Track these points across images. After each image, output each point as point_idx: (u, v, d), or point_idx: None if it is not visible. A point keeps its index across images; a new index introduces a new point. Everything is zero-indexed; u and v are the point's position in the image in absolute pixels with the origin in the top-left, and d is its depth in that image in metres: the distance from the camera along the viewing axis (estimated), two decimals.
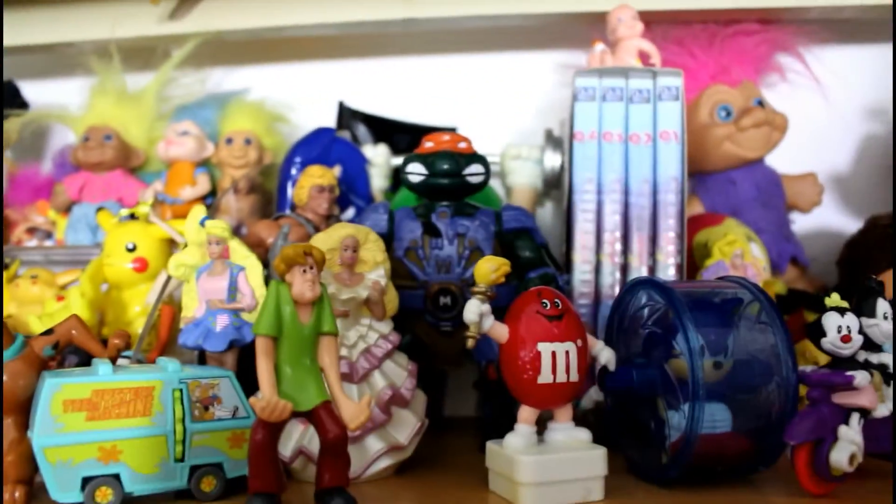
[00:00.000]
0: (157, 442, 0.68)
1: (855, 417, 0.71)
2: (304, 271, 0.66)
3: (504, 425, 0.73)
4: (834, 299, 0.73)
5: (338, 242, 0.78)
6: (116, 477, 0.67)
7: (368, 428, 0.76)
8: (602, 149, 0.97)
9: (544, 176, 1.09)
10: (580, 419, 0.87)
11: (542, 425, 0.73)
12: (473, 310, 0.69)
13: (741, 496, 0.72)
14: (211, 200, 1.05)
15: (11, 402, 0.70)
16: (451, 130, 1.06)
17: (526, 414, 0.71)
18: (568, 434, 0.71)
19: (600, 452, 0.70)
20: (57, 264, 1.06)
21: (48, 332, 0.72)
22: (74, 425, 0.65)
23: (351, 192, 1.05)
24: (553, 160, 1.09)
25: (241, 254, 0.80)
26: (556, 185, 1.10)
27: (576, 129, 0.97)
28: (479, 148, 1.13)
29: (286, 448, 0.74)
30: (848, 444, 0.70)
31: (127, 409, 0.67)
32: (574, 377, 0.70)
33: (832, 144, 1.20)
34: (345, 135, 1.12)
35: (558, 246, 1.01)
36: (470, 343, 0.70)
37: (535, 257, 0.88)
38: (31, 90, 1.19)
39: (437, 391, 1.02)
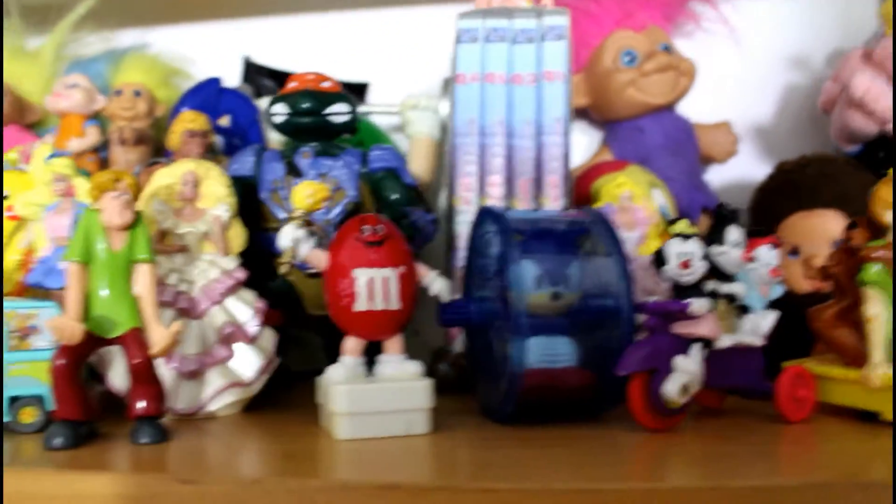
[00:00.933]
0: None
1: (695, 348, 0.69)
2: (115, 197, 0.66)
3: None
4: (677, 226, 0.71)
5: (178, 177, 0.77)
6: None
7: (208, 364, 0.75)
8: (485, 91, 0.95)
9: (444, 125, 1.08)
10: (453, 361, 0.86)
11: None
12: (287, 234, 0.68)
13: (577, 431, 0.70)
14: (105, 154, 1.05)
15: None
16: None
17: (350, 344, 0.70)
18: (397, 367, 0.70)
19: (424, 384, 0.69)
20: None
21: None
22: None
23: (244, 144, 1.04)
24: (447, 108, 1.07)
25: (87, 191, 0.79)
26: None
27: (458, 71, 0.95)
28: (387, 101, 1.12)
29: (117, 380, 0.73)
30: (680, 374, 0.67)
31: None
32: (395, 305, 0.68)
33: (751, 94, 1.16)
34: (247, 89, 1.11)
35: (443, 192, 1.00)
36: (282, 269, 0.69)
37: (403, 198, 0.87)
38: None
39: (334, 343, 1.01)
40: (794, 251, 0.97)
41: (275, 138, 1.08)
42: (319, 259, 0.69)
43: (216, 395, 0.75)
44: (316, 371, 0.85)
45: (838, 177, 0.98)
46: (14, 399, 0.69)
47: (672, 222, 0.72)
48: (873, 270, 0.71)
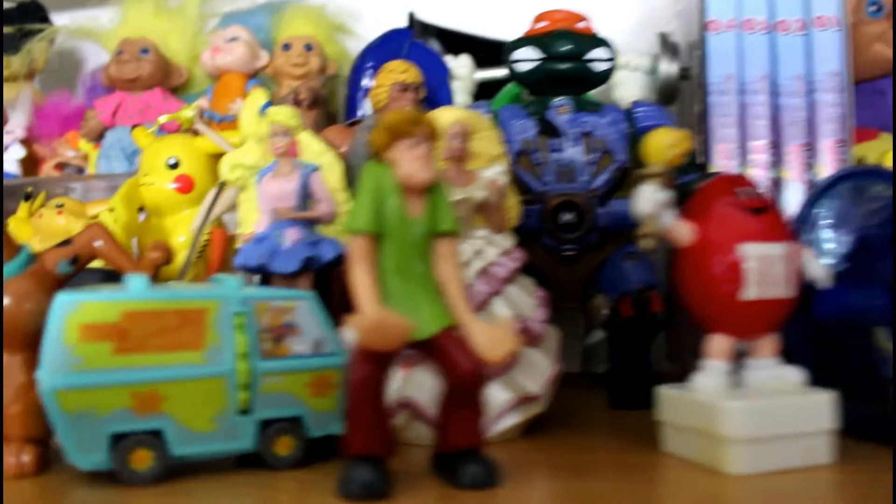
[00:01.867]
0: (212, 386, 0.45)
1: None
2: (414, 145, 0.43)
3: (637, 378, 0.54)
4: None
5: (442, 130, 0.55)
6: (158, 434, 0.44)
7: (492, 373, 0.53)
8: (742, 40, 0.73)
9: (657, 87, 0.86)
10: None
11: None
12: (648, 197, 0.46)
13: None
14: None
15: (15, 334, 0.48)
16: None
17: (719, 345, 0.48)
18: (773, 373, 0.48)
19: (825, 398, 0.47)
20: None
21: (65, 242, 0.50)
22: (97, 360, 0.43)
23: (431, 106, 0.82)
24: (669, 68, 0.85)
25: (313, 149, 0.57)
26: (671, 99, 0.86)
27: (709, 17, 0.74)
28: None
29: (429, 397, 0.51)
30: None
31: (171, 340, 0.44)
32: (788, 291, 0.47)
33: None
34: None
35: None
36: (647, 244, 0.47)
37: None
38: (62, 20, 0.97)
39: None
40: None
41: (460, 103, 0.86)
42: (683, 232, 0.47)
43: (502, 414, 0.53)
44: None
45: None
46: (266, 424, 0.46)
47: None
48: None
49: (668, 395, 0.49)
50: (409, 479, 0.44)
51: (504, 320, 0.45)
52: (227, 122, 0.80)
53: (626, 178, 0.65)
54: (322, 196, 0.56)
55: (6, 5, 0.93)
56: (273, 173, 0.57)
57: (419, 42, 0.84)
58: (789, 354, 0.50)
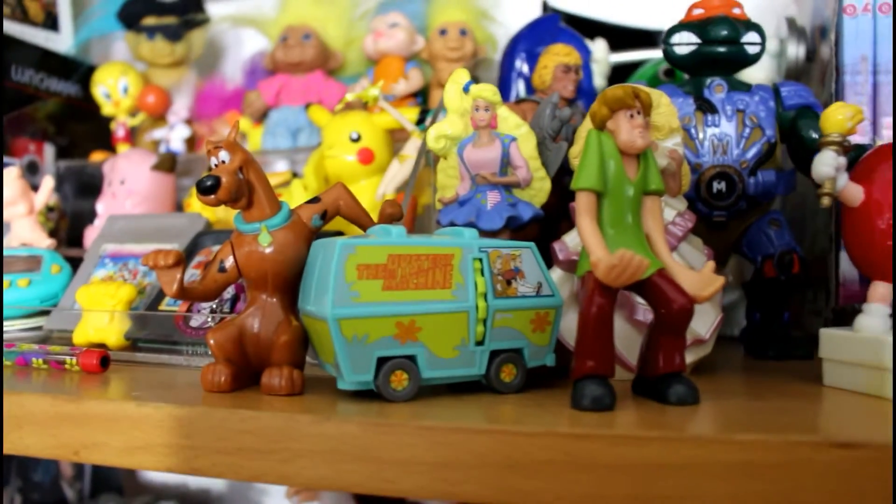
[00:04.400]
0: (457, 320, 0.55)
1: None
2: (632, 116, 0.54)
3: (775, 336, 0.61)
4: None
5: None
6: (413, 359, 0.55)
7: None
8: (878, 23, 0.82)
9: (785, 70, 0.95)
10: None
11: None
12: (829, 161, 0.56)
13: None
14: (421, 99, 0.93)
15: (277, 279, 0.59)
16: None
17: (880, 291, 0.57)
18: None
19: None
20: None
21: (314, 199, 0.61)
22: (371, 295, 0.54)
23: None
24: (798, 51, 0.94)
25: (512, 122, 0.67)
26: (797, 80, 0.95)
27: (847, 1, 0.82)
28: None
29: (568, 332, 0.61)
30: None
31: (426, 279, 0.55)
32: None
33: None
34: None
35: None
36: (826, 202, 0.56)
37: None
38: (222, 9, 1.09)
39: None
40: None
41: (597, 85, 0.96)
42: (854, 194, 0.57)
43: None
44: None
45: None
46: (495, 353, 0.57)
47: None
48: None
49: (831, 335, 0.58)
50: (622, 399, 0.54)
51: (709, 264, 0.54)
52: (390, 102, 0.91)
53: (773, 151, 0.75)
54: (520, 163, 0.66)
55: None
56: (474, 143, 0.67)
57: (566, 28, 0.94)
58: None
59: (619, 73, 0.99)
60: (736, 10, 0.76)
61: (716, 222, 0.75)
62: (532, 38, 0.90)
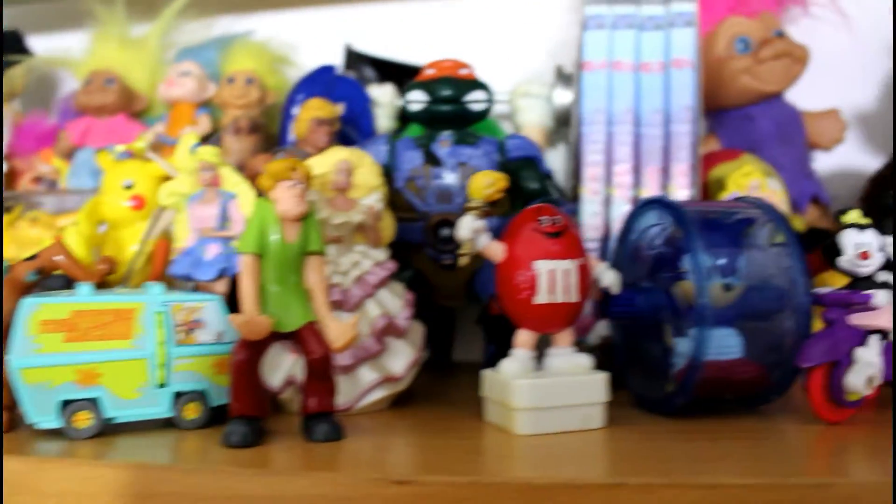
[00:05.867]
0: (137, 366, 0.64)
1: (874, 339, 0.66)
2: (291, 187, 0.62)
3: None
4: (851, 216, 0.68)
5: (332, 166, 0.73)
6: (95, 401, 0.63)
7: (361, 358, 0.71)
8: (612, 78, 0.91)
9: (554, 114, 1.04)
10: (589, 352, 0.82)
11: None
12: (466, 226, 0.65)
13: (748, 424, 0.66)
14: (215, 143, 1.01)
15: None
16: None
17: (523, 337, 0.66)
18: (568, 360, 0.66)
19: (600, 377, 0.65)
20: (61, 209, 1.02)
21: (32, 257, 0.69)
22: (52, 346, 0.62)
23: (355, 132, 1.00)
24: (563, 97, 1.03)
25: (232, 181, 0.76)
26: (567, 124, 1.04)
27: (585, 58, 0.91)
28: (492, 87, 1.08)
29: (275, 378, 0.70)
30: (865, 366, 0.64)
31: (107, 331, 0.63)
32: (574, 297, 0.65)
33: (856, 81, 1.12)
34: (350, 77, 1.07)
35: (568, 181, 0.96)
36: (463, 260, 0.65)
37: (541, 188, 0.84)
38: (37, 43, 1.16)
39: (444, 331, 0.98)
40: None
41: (383, 126, 1.04)
42: (496, 251, 0.65)
43: (369, 390, 0.71)
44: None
45: None
46: (178, 395, 0.65)
47: (842, 212, 0.68)
48: None
49: (486, 375, 0.67)
50: (283, 437, 0.63)
51: (350, 319, 0.63)
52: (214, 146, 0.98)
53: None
54: (237, 218, 0.74)
55: None
56: (200, 200, 0.75)
57: (343, 76, 1.02)
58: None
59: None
60: (463, 71, 0.84)
61: (445, 265, 0.84)
62: (308, 89, 0.98)
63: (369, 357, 0.72)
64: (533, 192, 0.83)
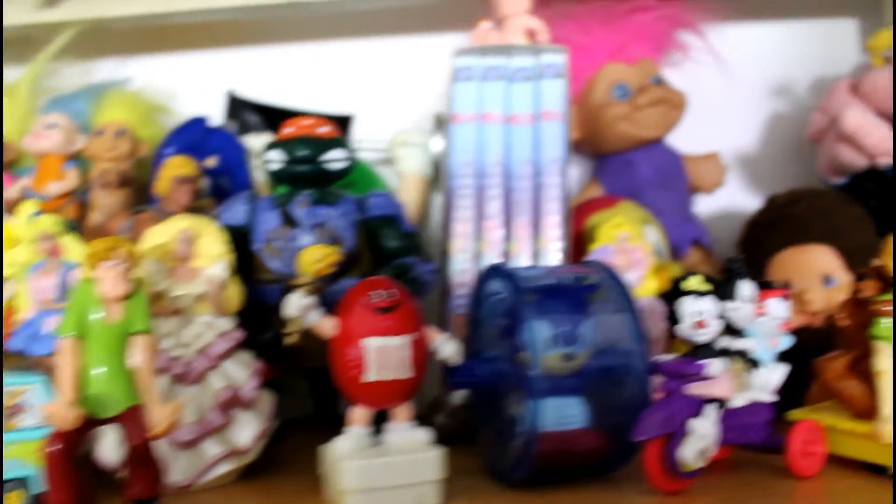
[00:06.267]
0: None
1: (710, 409, 0.66)
2: (112, 267, 0.60)
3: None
4: (690, 283, 0.68)
5: (173, 235, 0.72)
6: None
7: (205, 431, 0.70)
8: (482, 131, 0.91)
9: (435, 162, 1.03)
10: (451, 413, 0.82)
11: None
12: (294, 304, 0.64)
13: (591, 495, 0.66)
14: (85, 196, 0.99)
15: None
16: (319, 116, 0.98)
17: (357, 414, 0.65)
18: (405, 435, 0.66)
19: (434, 455, 0.64)
20: None
21: None
22: None
23: (231, 184, 0.98)
24: (440, 145, 1.02)
25: (75, 251, 0.74)
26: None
27: (454, 110, 0.91)
28: (374, 135, 1.07)
29: (114, 455, 0.68)
30: (698, 438, 0.64)
31: None
32: (406, 374, 0.64)
33: (737, 123, 1.13)
34: (231, 125, 1.06)
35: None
36: (290, 339, 0.64)
37: (402, 246, 0.83)
38: None
39: (324, 386, 0.96)
40: (786, 286, 0.94)
41: (260, 178, 1.03)
42: (327, 327, 0.65)
43: (213, 464, 0.70)
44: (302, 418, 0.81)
45: (830, 211, 0.95)
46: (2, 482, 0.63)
47: (684, 278, 0.68)
48: (884, 325, 0.68)
49: (322, 452, 0.66)
50: None
51: (175, 402, 0.62)
52: (45, 201, 0.96)
53: (356, 260, 0.82)
54: None
55: None
56: (40, 270, 0.73)
57: (216, 128, 1.00)
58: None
59: None
60: (322, 129, 0.83)
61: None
62: (178, 142, 0.96)
63: (213, 430, 0.70)
64: (393, 251, 0.82)
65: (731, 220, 1.10)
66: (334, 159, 0.82)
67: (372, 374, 0.63)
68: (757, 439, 0.70)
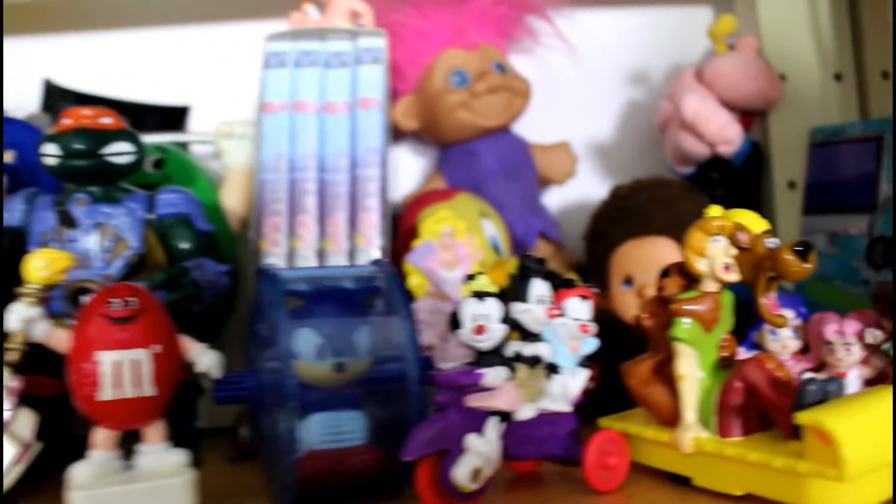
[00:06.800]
0: None
1: (492, 423, 0.61)
2: None
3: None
4: (475, 283, 0.62)
5: None
6: None
7: None
8: (295, 121, 0.85)
9: None
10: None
11: None
12: (15, 316, 0.57)
13: None
14: None
15: None
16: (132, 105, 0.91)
17: (99, 437, 0.59)
18: (154, 458, 0.59)
19: (184, 479, 0.58)
20: None
21: None
22: None
23: (32, 182, 0.90)
24: None
25: None
26: None
27: (265, 99, 0.85)
28: (204, 128, 1.00)
29: None
30: (471, 457, 0.58)
31: None
32: (148, 391, 0.58)
33: (590, 112, 1.09)
34: (43, 118, 0.98)
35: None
36: (11, 356, 0.57)
37: (192, 248, 0.76)
38: None
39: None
40: (628, 281, 0.90)
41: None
42: (59, 340, 0.58)
43: None
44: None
45: (671, 202, 0.91)
46: None
47: (470, 278, 0.63)
48: (683, 325, 0.64)
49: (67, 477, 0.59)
50: None
51: None
52: None
53: (146, 262, 0.75)
54: None
55: None
56: None
57: (13, 119, 0.92)
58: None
59: None
60: (105, 120, 0.76)
61: None
62: None
63: None
64: (183, 253, 0.75)
65: (584, 212, 1.05)
66: (118, 153, 0.75)
67: (107, 392, 0.57)
68: (558, 451, 0.66)
